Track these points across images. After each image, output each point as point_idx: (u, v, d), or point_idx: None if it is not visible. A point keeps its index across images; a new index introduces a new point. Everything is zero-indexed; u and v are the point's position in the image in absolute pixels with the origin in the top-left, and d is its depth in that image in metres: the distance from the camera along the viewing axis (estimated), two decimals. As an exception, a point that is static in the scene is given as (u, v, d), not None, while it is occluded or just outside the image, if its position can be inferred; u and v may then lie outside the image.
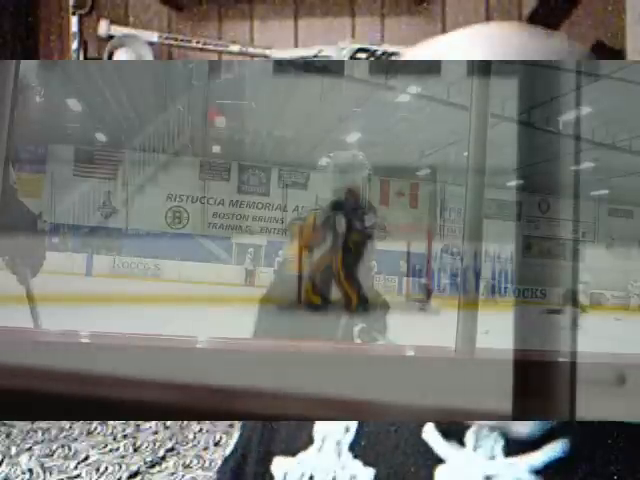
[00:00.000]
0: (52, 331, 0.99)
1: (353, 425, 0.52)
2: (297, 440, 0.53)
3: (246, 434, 0.58)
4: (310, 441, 0.52)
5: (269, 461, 0.53)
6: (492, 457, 0.47)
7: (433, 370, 0.77)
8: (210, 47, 2.23)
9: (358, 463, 0.49)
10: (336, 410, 0.68)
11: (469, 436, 0.49)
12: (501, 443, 0.48)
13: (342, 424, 0.52)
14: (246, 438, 0.57)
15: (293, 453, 0.52)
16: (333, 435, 0.52)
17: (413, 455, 0.48)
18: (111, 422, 2.80)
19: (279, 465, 0.52)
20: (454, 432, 0.49)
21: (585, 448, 0.47)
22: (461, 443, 0.49)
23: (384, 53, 2.10)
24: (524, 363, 0.58)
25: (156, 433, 2.73)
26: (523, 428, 0.48)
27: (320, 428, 0.53)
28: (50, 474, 2.25)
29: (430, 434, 0.49)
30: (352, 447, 0.51)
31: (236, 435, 0.60)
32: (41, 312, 1.60)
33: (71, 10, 2.30)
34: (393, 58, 2.06)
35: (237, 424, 0.64)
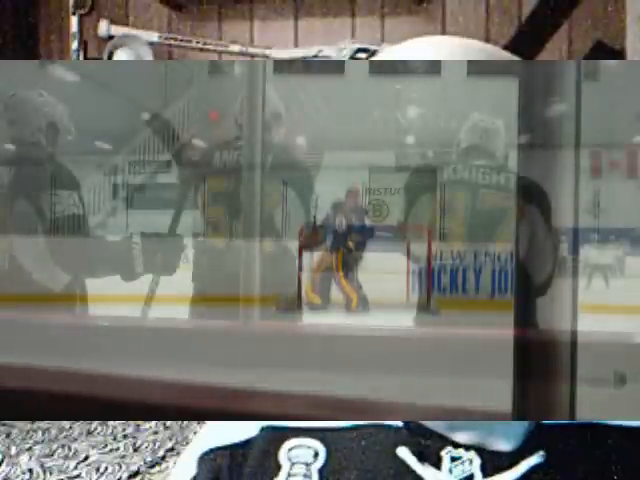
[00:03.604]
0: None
1: (322, 450, 0.49)
2: (263, 469, 0.49)
3: (208, 464, 0.52)
4: (277, 469, 0.49)
5: None
6: (470, 478, 0.46)
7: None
8: (210, 47, 2.23)
9: None
10: (336, 410, 0.68)
11: (444, 457, 0.47)
12: (478, 462, 0.46)
13: (310, 450, 0.49)
14: (209, 468, 0.52)
15: None
16: (301, 461, 0.49)
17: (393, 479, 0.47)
18: (111, 422, 2.80)
19: None
20: (429, 453, 0.47)
21: (578, 451, 0.46)
22: (437, 465, 0.47)
23: (384, 53, 2.10)
24: (524, 363, 0.58)
25: (156, 433, 2.73)
26: (500, 444, 0.47)
27: (287, 454, 0.50)
28: (50, 474, 2.25)
29: (405, 457, 0.47)
30: (321, 474, 0.48)
31: (191, 464, 0.53)
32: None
33: (71, 10, 2.31)
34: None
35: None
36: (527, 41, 2.06)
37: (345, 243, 6.97)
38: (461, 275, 1.51)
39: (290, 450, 0.50)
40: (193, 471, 0.52)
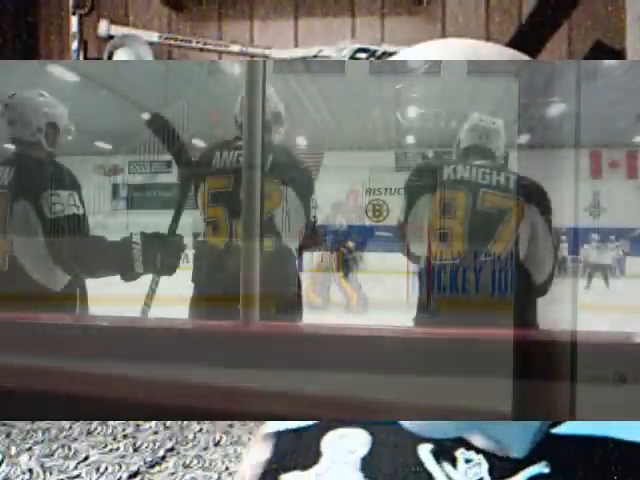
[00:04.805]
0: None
1: (367, 440, 0.52)
2: (312, 453, 0.53)
3: (272, 444, 0.56)
4: (323, 454, 0.52)
5: (278, 476, 0.52)
6: None
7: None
8: (210, 47, 2.23)
9: None
10: (336, 410, 0.68)
11: (459, 458, 0.49)
12: (486, 466, 0.49)
13: (355, 439, 0.53)
14: (272, 448, 0.56)
15: (301, 468, 0.52)
16: (345, 449, 0.52)
17: (413, 476, 0.49)
18: (111, 422, 2.80)
19: None
20: (446, 453, 0.50)
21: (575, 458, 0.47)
22: (453, 465, 0.49)
23: (384, 53, 2.10)
24: (524, 363, 0.58)
25: (156, 433, 2.73)
26: (508, 451, 0.49)
27: (334, 442, 0.53)
28: (50, 474, 2.25)
29: (423, 455, 0.50)
30: (364, 465, 0.51)
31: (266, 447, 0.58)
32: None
33: (71, 10, 2.31)
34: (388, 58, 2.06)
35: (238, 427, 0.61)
36: (527, 41, 2.06)
37: (345, 243, 6.98)
38: (461, 275, 1.51)
39: (338, 438, 0.53)
40: (266, 450, 0.57)
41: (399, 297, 4.41)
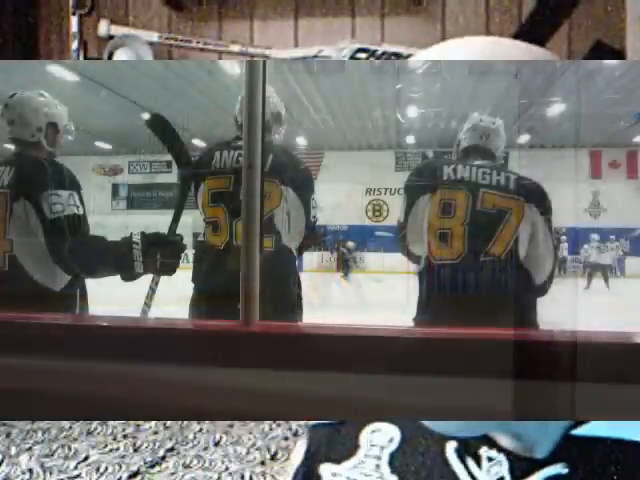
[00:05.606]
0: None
1: (398, 436, 0.54)
2: (348, 446, 0.55)
3: (312, 435, 0.59)
4: (358, 448, 0.55)
5: (316, 467, 0.55)
6: (501, 479, 0.49)
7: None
8: (210, 47, 2.23)
9: (394, 478, 0.51)
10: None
11: (483, 456, 0.51)
12: (507, 465, 0.49)
13: (387, 434, 0.54)
14: (312, 439, 0.59)
15: (338, 460, 0.55)
16: (377, 444, 0.54)
17: (439, 475, 0.50)
18: (111, 422, 2.80)
19: (324, 473, 0.54)
20: (470, 451, 0.51)
21: (584, 455, 0.47)
22: (477, 463, 0.50)
23: (384, 53, 2.10)
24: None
25: (156, 433, 2.73)
26: (528, 451, 0.49)
27: (368, 436, 0.55)
28: (50, 474, 2.25)
29: (450, 454, 0.51)
30: (392, 460, 0.53)
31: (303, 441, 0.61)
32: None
33: (71, 10, 2.31)
34: (397, 59, 2.06)
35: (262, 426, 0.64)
36: (527, 41, 2.05)
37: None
38: (461, 275, 1.51)
39: (371, 433, 0.56)
40: (309, 441, 0.60)
41: (399, 297, 4.41)
